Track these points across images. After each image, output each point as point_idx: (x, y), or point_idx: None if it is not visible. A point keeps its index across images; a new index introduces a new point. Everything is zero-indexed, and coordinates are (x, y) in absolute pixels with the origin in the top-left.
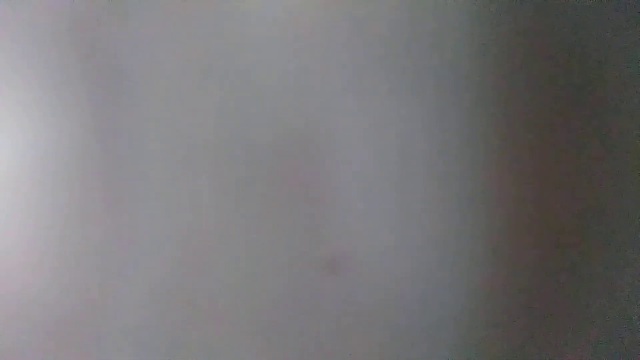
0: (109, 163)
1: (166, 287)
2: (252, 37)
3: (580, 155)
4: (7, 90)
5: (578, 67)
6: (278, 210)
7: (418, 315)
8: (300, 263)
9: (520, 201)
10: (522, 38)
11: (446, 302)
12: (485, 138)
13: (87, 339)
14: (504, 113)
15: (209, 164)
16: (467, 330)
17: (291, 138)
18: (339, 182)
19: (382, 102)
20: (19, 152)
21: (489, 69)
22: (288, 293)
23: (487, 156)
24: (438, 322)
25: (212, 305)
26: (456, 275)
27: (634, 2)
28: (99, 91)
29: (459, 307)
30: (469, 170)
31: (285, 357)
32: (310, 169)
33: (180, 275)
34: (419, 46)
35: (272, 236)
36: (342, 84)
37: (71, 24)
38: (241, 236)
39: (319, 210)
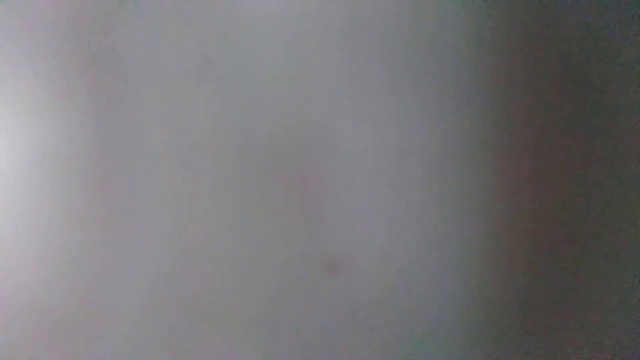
0: (108, 162)
1: (165, 286)
2: (251, 37)
3: (580, 155)
4: (7, 90)
5: (578, 68)
6: (278, 210)
7: (417, 315)
8: (300, 263)
9: (520, 201)
10: (522, 38)
11: (445, 302)
12: (485, 138)
13: (87, 338)
14: (503, 113)
15: (209, 163)
16: (466, 330)
17: (291, 138)
18: (338, 182)
19: (382, 102)
20: (19, 152)
21: (489, 69)
22: (287, 292)
23: (487, 156)
24: (437, 322)
25: (211, 305)
26: (455, 275)
27: (634, 2)
28: (99, 91)
29: (458, 307)
30: (468, 170)
31: (284, 356)
32: (310, 169)
33: (179, 275)
34: (419, 46)
35: (272, 236)
36: (342, 83)
37: (71, 24)
38: (241, 236)
39: (318, 210)
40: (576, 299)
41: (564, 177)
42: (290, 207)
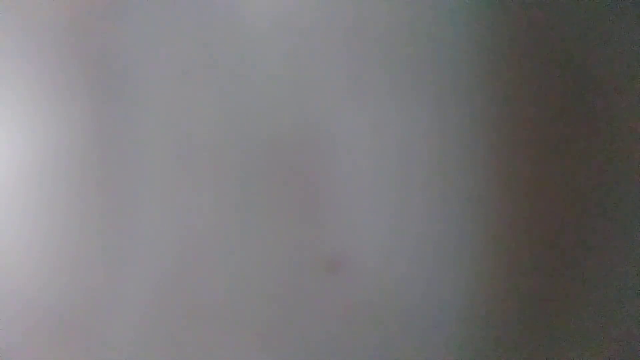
0: (108, 162)
1: (166, 286)
2: (251, 37)
3: (580, 155)
4: (7, 90)
5: (578, 67)
6: (278, 210)
7: (418, 315)
8: (301, 262)
9: (520, 201)
10: (522, 38)
11: (446, 302)
12: (485, 138)
13: (87, 338)
14: (503, 113)
15: (209, 164)
16: (466, 330)
17: (291, 138)
18: (338, 182)
19: (382, 102)
20: (19, 152)
21: (489, 69)
22: (288, 293)
23: (487, 156)
24: (437, 322)
25: (212, 305)
26: (456, 276)
27: (634, 2)
28: (99, 91)
29: (458, 307)
30: (468, 170)
31: (285, 356)
32: (310, 169)
33: (180, 275)
34: (419, 46)
35: (272, 236)
36: (342, 83)
37: (71, 24)
38: (241, 236)
39: (318, 210)
40: (576, 299)
41: (565, 178)
42: (290, 207)
